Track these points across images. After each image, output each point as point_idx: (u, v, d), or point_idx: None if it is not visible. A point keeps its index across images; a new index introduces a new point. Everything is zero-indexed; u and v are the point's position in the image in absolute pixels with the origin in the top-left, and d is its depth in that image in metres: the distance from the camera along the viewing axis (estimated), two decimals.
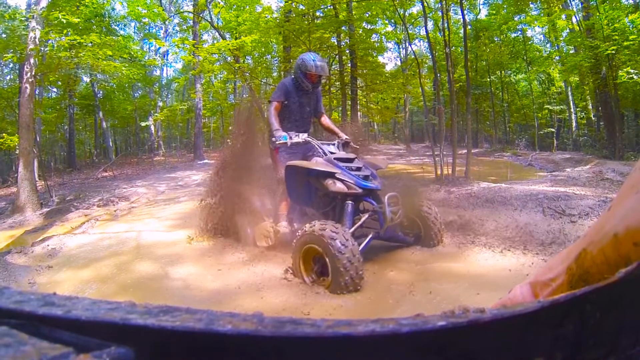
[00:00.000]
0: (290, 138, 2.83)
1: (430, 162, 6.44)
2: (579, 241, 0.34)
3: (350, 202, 2.62)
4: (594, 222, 0.38)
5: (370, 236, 2.57)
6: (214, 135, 21.16)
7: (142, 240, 3.66)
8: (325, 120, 3.37)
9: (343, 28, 9.94)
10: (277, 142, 2.86)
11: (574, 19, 11.94)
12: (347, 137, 3.14)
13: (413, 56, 11.15)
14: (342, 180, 2.56)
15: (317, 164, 2.69)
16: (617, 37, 8.93)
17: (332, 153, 2.82)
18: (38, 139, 9.25)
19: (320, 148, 2.85)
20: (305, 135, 2.93)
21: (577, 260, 0.33)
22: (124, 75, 10.72)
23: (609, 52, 9.03)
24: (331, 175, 2.58)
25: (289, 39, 10.10)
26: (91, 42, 7.44)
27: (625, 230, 0.28)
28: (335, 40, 10.40)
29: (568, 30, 13.13)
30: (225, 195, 3.36)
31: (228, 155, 3.59)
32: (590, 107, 14.16)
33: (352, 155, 2.85)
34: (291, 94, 3.12)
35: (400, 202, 2.63)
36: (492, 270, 2.49)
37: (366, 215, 2.66)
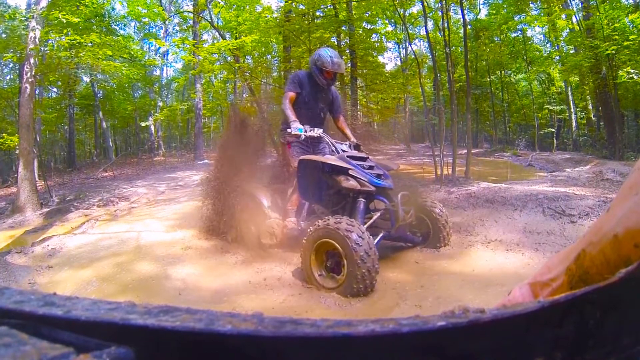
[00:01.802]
0: (306, 131, 2.77)
1: (430, 162, 6.44)
2: (578, 242, 0.34)
3: (362, 199, 2.60)
4: (593, 222, 0.38)
5: (380, 235, 2.55)
6: (214, 135, 21.14)
7: (142, 240, 3.65)
8: (341, 122, 3.30)
9: (343, 28, 9.93)
10: (292, 133, 2.76)
11: (574, 19, 11.93)
12: (357, 141, 3.09)
13: (413, 56, 11.15)
14: (355, 177, 2.54)
15: (331, 158, 2.65)
16: (617, 37, 8.92)
17: (344, 151, 2.79)
18: (38, 139, 9.25)
19: (333, 145, 2.82)
20: (321, 130, 2.86)
21: (576, 260, 0.33)
22: (124, 75, 10.72)
23: (609, 52, 9.03)
24: (344, 171, 2.55)
25: (289, 38, 10.10)
26: (91, 42, 7.44)
27: (625, 231, 0.28)
28: (335, 40, 10.39)
29: (568, 30, 13.13)
30: (226, 193, 3.33)
31: (227, 152, 3.54)
32: (590, 107, 14.15)
33: (364, 154, 2.83)
34: (305, 86, 3.05)
35: (412, 202, 2.62)
36: (494, 270, 2.48)
37: (378, 214, 2.64)
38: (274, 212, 3.22)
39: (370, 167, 2.68)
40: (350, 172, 2.55)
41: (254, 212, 3.20)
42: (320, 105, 3.16)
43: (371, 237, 2.21)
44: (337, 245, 2.18)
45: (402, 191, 2.65)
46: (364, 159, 2.73)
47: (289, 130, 2.80)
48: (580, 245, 0.33)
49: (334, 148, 2.81)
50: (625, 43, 8.68)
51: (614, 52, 9.08)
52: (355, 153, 2.80)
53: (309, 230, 2.38)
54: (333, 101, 3.27)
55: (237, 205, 3.23)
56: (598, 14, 9.69)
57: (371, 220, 2.59)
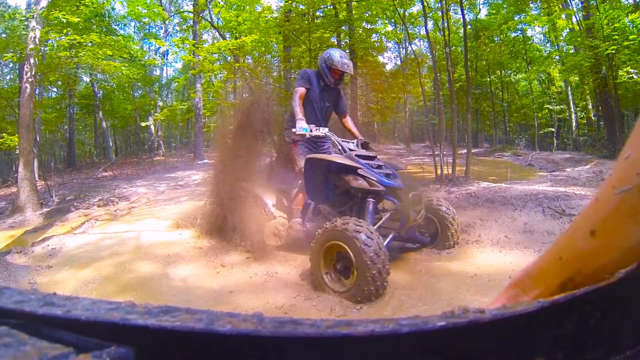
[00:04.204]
0: (311, 131, 2.72)
1: (430, 162, 6.44)
2: (552, 255, 0.32)
3: (371, 200, 2.52)
4: (566, 239, 0.33)
5: (390, 237, 2.47)
6: (214, 135, 21.11)
7: (142, 240, 3.65)
8: (347, 121, 3.29)
9: (343, 28, 9.93)
10: (296, 132, 2.72)
11: (574, 19, 11.94)
12: (365, 139, 3.07)
13: (413, 56, 11.14)
14: (364, 177, 2.47)
15: (340, 157, 2.58)
16: (617, 37, 8.93)
17: (351, 150, 2.73)
18: (38, 139, 9.26)
19: (340, 144, 2.77)
20: (327, 129, 2.81)
21: (560, 290, 0.30)
22: (124, 75, 10.71)
23: (609, 51, 9.03)
24: (353, 170, 2.49)
25: (289, 38, 10.10)
26: (91, 42, 7.45)
27: None
28: (335, 40, 10.39)
29: (568, 30, 13.14)
30: (229, 192, 3.31)
31: (229, 151, 3.51)
32: (590, 107, 14.15)
33: (372, 153, 2.76)
34: (313, 83, 3.06)
35: (422, 202, 2.56)
36: (495, 270, 2.48)
37: (387, 214, 2.58)
38: (279, 212, 3.19)
39: (379, 166, 2.61)
40: (359, 171, 2.48)
41: (258, 213, 3.17)
42: (326, 104, 3.18)
43: (380, 237, 2.13)
44: (345, 247, 2.10)
45: (412, 191, 2.58)
46: (372, 158, 2.66)
47: (293, 130, 2.76)
48: (558, 268, 0.31)
49: (340, 147, 2.75)
50: (625, 43, 8.69)
51: (614, 51, 9.09)
52: (363, 152, 2.74)
53: (317, 232, 2.31)
54: (339, 100, 3.28)
55: (240, 205, 3.20)
56: (598, 13, 9.70)
57: (381, 221, 2.53)
